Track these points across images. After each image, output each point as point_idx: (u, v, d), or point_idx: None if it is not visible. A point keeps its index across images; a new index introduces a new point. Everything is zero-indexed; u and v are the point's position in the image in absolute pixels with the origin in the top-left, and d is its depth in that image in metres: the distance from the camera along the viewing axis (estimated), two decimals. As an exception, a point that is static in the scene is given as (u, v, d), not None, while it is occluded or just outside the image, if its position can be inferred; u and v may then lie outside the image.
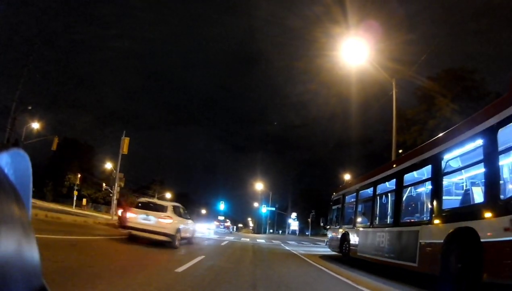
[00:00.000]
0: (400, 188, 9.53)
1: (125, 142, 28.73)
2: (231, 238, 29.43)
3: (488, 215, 5.66)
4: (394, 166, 10.20)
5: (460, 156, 7.26)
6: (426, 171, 8.52)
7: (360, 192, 12.94)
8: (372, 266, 10.52)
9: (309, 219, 61.05)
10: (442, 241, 6.68)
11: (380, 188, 11.22)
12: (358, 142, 78.79)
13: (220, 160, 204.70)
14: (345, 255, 13.19)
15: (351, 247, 12.47)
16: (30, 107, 30.76)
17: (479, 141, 6.32)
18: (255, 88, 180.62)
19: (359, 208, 13.04)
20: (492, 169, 5.85)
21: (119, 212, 21.74)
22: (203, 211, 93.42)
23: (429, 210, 7.80)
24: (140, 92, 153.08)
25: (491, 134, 5.92)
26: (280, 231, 79.21)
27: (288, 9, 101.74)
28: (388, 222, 10.54)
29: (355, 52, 15.81)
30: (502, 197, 5.64)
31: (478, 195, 6.61)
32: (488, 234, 5.50)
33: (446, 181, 7.83)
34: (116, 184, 29.79)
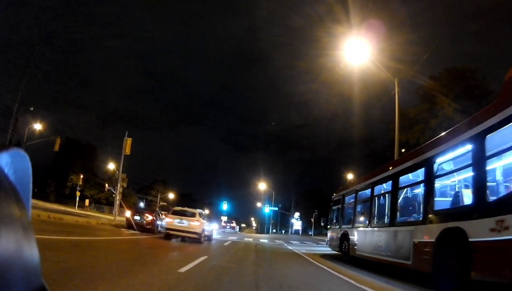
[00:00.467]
0: (395, 189, 9.96)
1: (128, 143, 28.78)
2: (234, 238, 29.43)
3: (475, 216, 5.98)
4: (390, 168, 10.62)
5: (451, 159, 7.60)
6: (419, 174, 8.86)
7: (359, 193, 13.36)
8: (374, 265, 10.53)
9: (312, 219, 60.98)
10: (433, 240, 7.04)
11: (377, 189, 11.67)
12: (360, 141, 78.67)
13: (222, 160, 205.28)
14: (344, 254, 13.59)
15: (350, 246, 12.92)
16: (31, 108, 30.83)
17: (469, 147, 6.67)
18: (256, 88, 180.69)
19: (358, 208, 13.47)
20: (480, 172, 6.19)
21: (127, 213, 22.54)
22: (206, 211, 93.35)
23: (422, 210, 8.22)
24: (141, 92, 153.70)
25: (479, 140, 6.26)
26: (283, 231, 79.18)
27: (290, 8, 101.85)
28: (384, 222, 10.89)
29: (357, 52, 15.78)
30: (489, 199, 5.93)
31: (467, 197, 6.88)
32: (476, 234, 5.81)
33: (438, 183, 8.17)
34: (118, 185, 29.81)
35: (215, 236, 30.37)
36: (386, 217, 10.86)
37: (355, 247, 12.24)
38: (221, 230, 48.23)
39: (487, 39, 59.99)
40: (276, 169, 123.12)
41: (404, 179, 9.77)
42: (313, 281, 7.76)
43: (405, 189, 10.06)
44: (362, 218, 12.90)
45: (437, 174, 7.91)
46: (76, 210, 42.29)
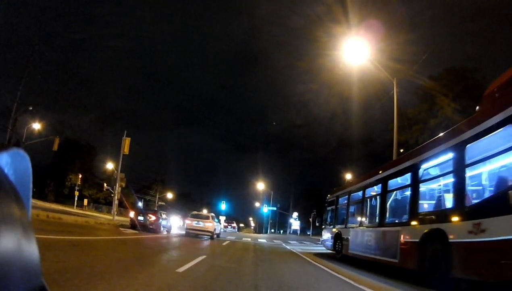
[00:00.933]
0: (384, 192, 10.63)
1: (126, 142, 28.70)
2: (232, 238, 29.43)
3: (455, 219, 6.52)
4: (380, 172, 11.27)
5: (435, 166, 8.23)
6: (406, 178, 9.48)
7: (351, 194, 14.02)
8: (373, 265, 10.54)
9: (310, 219, 60.94)
10: (418, 240, 7.62)
11: (368, 191, 12.40)
12: (359, 141, 78.69)
13: (221, 160, 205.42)
14: (338, 253, 14.24)
15: (343, 245, 13.55)
16: (31, 108, 30.81)
17: (450, 155, 7.26)
18: (256, 88, 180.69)
19: (351, 209, 14.16)
20: (460, 179, 6.75)
21: (131, 214, 23.46)
22: (205, 211, 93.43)
23: (408, 212, 8.83)
24: (141, 92, 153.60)
25: (460, 149, 6.83)
26: (282, 231, 79.11)
27: (289, 9, 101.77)
28: (374, 222, 11.47)
29: (356, 52, 15.81)
30: (467, 203, 6.47)
31: (448, 201, 7.44)
32: (455, 235, 6.35)
33: (422, 188, 8.81)
34: (117, 184, 29.76)
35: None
36: (376, 218, 11.39)
37: (348, 246, 12.83)
38: (223, 229, 48.69)
39: (487, 39, 60.15)
40: (275, 169, 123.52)
41: (392, 183, 10.38)
42: (312, 281, 7.76)
43: (393, 192, 10.60)
44: (354, 219, 13.53)
45: (422, 178, 8.52)
46: (74, 210, 42.24)
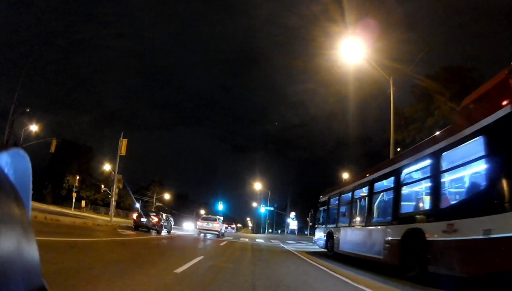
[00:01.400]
0: (371, 194, 11.43)
1: (123, 143, 28.54)
2: (230, 238, 29.41)
3: (432, 219, 7.24)
4: (367, 175, 12.08)
5: (414, 171, 9.06)
6: (390, 181, 10.24)
7: (342, 195, 14.79)
8: (372, 265, 10.55)
9: (308, 218, 60.87)
10: (399, 238, 8.37)
11: (357, 193, 13.21)
12: (357, 141, 78.84)
13: (219, 160, 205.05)
14: (330, 251, 14.93)
15: (334, 244, 14.22)
16: (28, 110, 30.68)
17: (428, 161, 8.01)
18: (255, 88, 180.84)
19: (341, 209, 14.85)
20: (436, 183, 7.49)
21: (134, 215, 25.14)
22: (202, 211, 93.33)
23: (391, 213, 9.57)
24: (140, 92, 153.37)
25: (436, 157, 7.56)
26: (279, 231, 79.05)
27: (287, 8, 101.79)
28: (362, 222, 12.17)
29: (353, 51, 15.83)
30: (442, 206, 7.20)
31: (426, 203, 8.23)
32: (432, 234, 7.04)
33: (404, 190, 9.51)
34: (114, 186, 29.68)
35: (210, 236, 30.93)
36: (363, 218, 12.00)
37: (339, 244, 13.57)
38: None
39: (485, 39, 60.33)
40: (273, 169, 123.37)
41: (378, 185, 11.21)
42: (310, 281, 7.76)
43: (379, 194, 11.36)
44: (344, 218, 14.22)
45: (404, 182, 9.34)
46: (72, 211, 42.08)
